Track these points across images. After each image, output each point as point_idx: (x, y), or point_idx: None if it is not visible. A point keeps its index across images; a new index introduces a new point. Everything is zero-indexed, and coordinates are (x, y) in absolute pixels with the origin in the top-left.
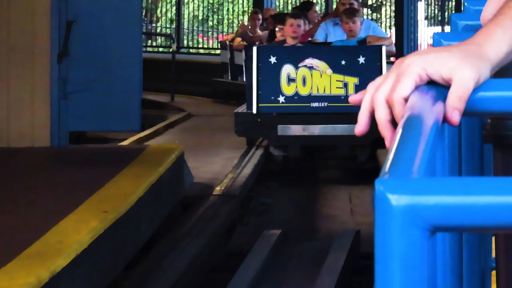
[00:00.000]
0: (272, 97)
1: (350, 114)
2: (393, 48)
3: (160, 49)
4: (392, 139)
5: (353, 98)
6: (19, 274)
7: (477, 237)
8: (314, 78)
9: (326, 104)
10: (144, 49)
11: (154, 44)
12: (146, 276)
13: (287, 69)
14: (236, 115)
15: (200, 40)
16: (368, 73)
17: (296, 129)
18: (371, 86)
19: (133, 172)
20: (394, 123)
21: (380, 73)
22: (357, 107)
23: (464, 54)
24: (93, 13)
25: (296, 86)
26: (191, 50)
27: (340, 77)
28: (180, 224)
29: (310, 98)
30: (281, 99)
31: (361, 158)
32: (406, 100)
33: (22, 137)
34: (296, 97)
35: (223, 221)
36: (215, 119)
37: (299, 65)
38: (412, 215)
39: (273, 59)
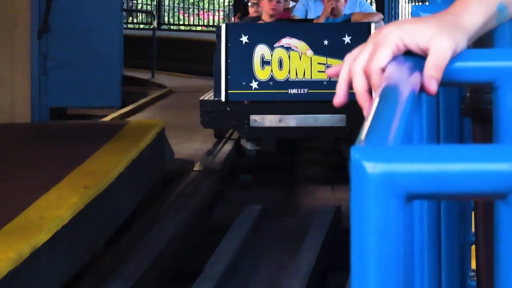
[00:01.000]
0: (244, 83)
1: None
2: (383, 25)
3: (141, 26)
4: (369, 109)
5: (330, 71)
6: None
7: (457, 211)
8: (292, 61)
9: (306, 90)
10: (124, 26)
11: (135, 21)
12: (127, 252)
13: (260, 50)
14: (202, 103)
15: (181, 17)
16: None
17: (271, 120)
18: (349, 57)
19: (113, 148)
20: (371, 93)
21: None
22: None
23: (441, 24)
24: None
25: (272, 70)
26: (172, 27)
27: (322, 59)
28: (161, 200)
29: (288, 83)
30: (254, 84)
31: (346, 153)
32: (383, 70)
33: (2, 112)
34: (271, 83)
35: (204, 197)
36: (196, 95)
37: (274, 46)
38: (387, 183)
39: (244, 39)
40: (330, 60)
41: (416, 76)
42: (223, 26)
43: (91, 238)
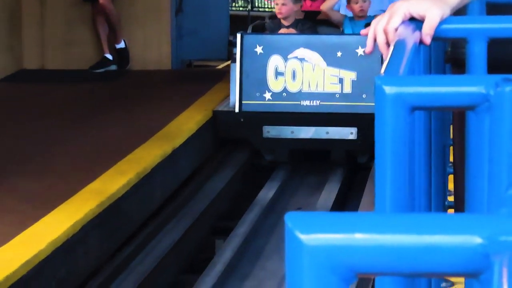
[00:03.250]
0: (258, 94)
1: (345, 115)
2: None
3: (240, 9)
4: (387, 55)
5: (363, 31)
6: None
7: (440, 123)
8: (305, 72)
9: (318, 102)
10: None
11: (235, 5)
12: None
13: (275, 61)
14: (216, 113)
15: (267, 3)
16: (367, 66)
17: (283, 131)
18: (374, 21)
19: (224, 85)
20: (389, 45)
21: (381, 65)
22: (352, 107)
23: (434, 1)
24: None
25: (285, 81)
26: (259, 9)
27: (335, 71)
28: None
29: (300, 95)
30: (267, 95)
31: (361, 160)
32: (396, 29)
33: (153, 63)
34: (284, 94)
35: None
36: None
37: (288, 56)
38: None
39: (259, 49)
40: (343, 72)
41: (417, 33)
42: (238, 36)
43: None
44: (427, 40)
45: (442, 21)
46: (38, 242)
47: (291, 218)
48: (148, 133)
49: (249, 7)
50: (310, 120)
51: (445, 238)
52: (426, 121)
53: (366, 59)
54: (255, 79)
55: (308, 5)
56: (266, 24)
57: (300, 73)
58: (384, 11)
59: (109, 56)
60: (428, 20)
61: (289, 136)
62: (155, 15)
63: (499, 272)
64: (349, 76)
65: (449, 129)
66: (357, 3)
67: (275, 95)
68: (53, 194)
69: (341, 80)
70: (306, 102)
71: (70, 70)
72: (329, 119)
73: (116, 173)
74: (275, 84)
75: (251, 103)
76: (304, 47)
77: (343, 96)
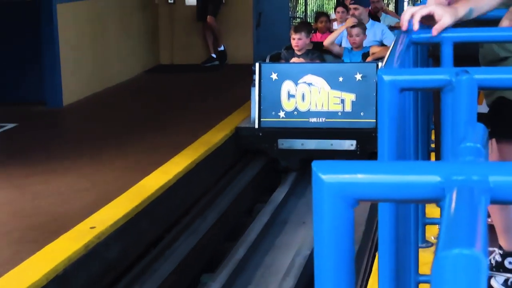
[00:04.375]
0: (273, 112)
1: (346, 130)
2: None
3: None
4: (405, 29)
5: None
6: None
7: (426, 102)
8: (313, 94)
9: (324, 119)
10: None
11: (294, 21)
12: None
13: (287, 85)
14: (239, 129)
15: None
16: (364, 89)
17: (295, 144)
18: (408, 8)
19: (244, 108)
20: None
21: (376, 89)
22: (352, 123)
23: (448, 10)
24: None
25: (296, 102)
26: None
27: (338, 93)
28: None
29: (309, 113)
30: (282, 114)
31: None
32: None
33: (241, 59)
34: (295, 113)
35: None
36: None
37: (298, 82)
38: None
39: (274, 76)
40: (344, 94)
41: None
42: (257, 65)
43: None
44: (434, 33)
45: (426, 31)
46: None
47: (315, 165)
48: (236, 106)
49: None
50: (317, 134)
51: (417, 177)
52: (415, 99)
53: (363, 83)
54: (271, 101)
55: (318, 37)
56: (281, 54)
57: (309, 95)
58: (377, 41)
59: (214, 55)
60: (441, 23)
61: (300, 147)
62: (243, 29)
63: (450, 199)
64: (349, 97)
65: (431, 105)
66: (351, 36)
67: (288, 114)
68: (179, 143)
69: (342, 101)
70: (313, 119)
71: (189, 64)
72: (333, 133)
73: (217, 130)
74: (287, 105)
75: (268, 121)
76: (312, 74)
77: (345, 114)
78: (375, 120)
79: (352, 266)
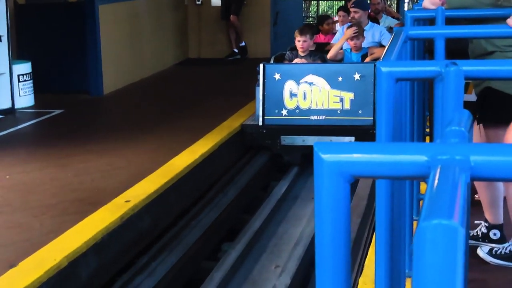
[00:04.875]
0: (276, 111)
1: (345, 127)
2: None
3: (310, 19)
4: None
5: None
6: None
7: (421, 90)
8: (313, 93)
9: (324, 117)
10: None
11: (307, 20)
12: None
13: (289, 85)
14: (244, 127)
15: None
16: (362, 88)
17: (296, 140)
18: None
19: (249, 106)
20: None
21: (374, 88)
22: (350, 121)
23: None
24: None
25: (298, 101)
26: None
27: (337, 92)
28: None
29: (310, 111)
30: (284, 112)
31: None
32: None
33: (260, 54)
34: (297, 111)
35: None
36: None
37: (300, 81)
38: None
39: (277, 76)
40: (343, 93)
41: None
42: (261, 66)
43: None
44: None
45: (422, 28)
46: (201, 149)
47: (317, 145)
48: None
49: (315, 21)
50: (317, 131)
51: (406, 157)
52: (412, 89)
53: (361, 83)
54: (274, 100)
55: (321, 38)
56: (286, 54)
57: (310, 94)
58: (375, 42)
59: (236, 50)
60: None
61: (301, 143)
62: (262, 26)
63: (434, 176)
64: (348, 96)
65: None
66: (352, 40)
67: (290, 112)
68: (206, 127)
69: (342, 99)
70: (314, 117)
71: (214, 58)
72: (332, 130)
73: (239, 116)
74: (290, 103)
75: (271, 118)
76: (313, 74)
77: (344, 112)
78: (372, 118)
79: (348, 232)
